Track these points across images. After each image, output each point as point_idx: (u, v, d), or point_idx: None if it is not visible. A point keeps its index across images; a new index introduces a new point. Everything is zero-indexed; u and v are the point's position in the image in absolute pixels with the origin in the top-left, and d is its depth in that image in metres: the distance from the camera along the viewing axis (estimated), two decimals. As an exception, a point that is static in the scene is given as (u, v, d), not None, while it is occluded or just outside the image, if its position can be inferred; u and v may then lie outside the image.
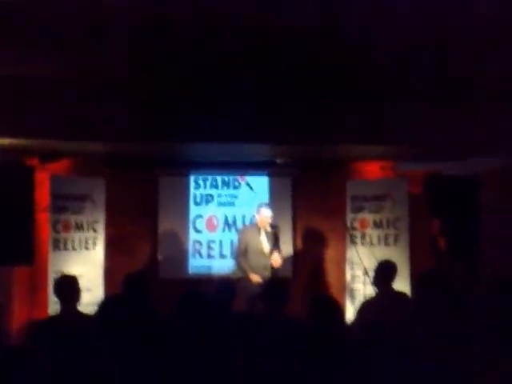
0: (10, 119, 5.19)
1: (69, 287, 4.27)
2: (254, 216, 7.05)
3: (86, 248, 6.84)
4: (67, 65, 4.89)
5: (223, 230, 7.94)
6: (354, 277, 7.29)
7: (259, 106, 5.55)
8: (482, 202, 6.50)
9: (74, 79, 5.20)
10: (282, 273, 6.73)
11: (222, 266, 7.75)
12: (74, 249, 6.72)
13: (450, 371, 3.05)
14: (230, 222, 7.94)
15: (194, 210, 7.90)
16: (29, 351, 3.80)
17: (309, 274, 7.86)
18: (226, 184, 7.96)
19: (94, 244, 6.92)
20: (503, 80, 5.09)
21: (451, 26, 3.95)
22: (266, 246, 6.59)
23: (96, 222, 6.95)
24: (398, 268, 5.09)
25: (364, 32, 4.08)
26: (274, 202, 7.40)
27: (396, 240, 7.15)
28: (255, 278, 6.44)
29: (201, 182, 7.93)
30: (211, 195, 7.93)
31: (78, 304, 4.24)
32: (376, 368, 3.02)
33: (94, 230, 6.93)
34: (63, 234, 6.67)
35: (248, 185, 7.99)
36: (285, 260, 7.15)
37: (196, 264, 7.86)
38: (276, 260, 6.56)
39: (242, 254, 6.63)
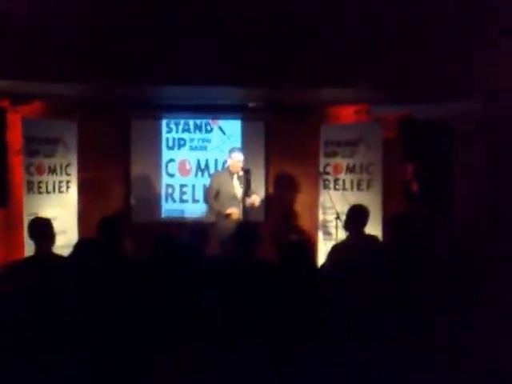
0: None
1: (42, 229, 4.27)
2: (226, 161, 7.05)
3: (60, 191, 6.79)
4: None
5: (196, 175, 7.96)
6: (326, 221, 7.34)
7: (230, 49, 5.52)
8: (455, 146, 6.56)
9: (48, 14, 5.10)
10: (254, 217, 6.76)
11: (195, 210, 7.82)
12: (47, 192, 6.67)
13: (414, 312, 3.14)
14: (203, 166, 7.96)
15: (166, 154, 7.89)
16: (3, 293, 3.83)
17: (281, 219, 7.94)
18: (198, 128, 7.93)
19: (68, 187, 6.88)
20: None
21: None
22: (238, 190, 6.57)
23: (69, 165, 6.89)
24: (370, 213, 5.10)
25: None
26: (246, 147, 7.39)
27: (369, 185, 7.18)
28: (234, 211, 6.45)
29: (173, 126, 7.90)
30: (183, 139, 7.91)
31: (52, 246, 4.25)
32: (346, 309, 3.08)
33: (67, 174, 6.88)
34: (37, 177, 6.60)
35: (220, 129, 7.97)
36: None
37: (169, 208, 7.90)
38: (254, 199, 6.58)
39: (212, 197, 6.63)
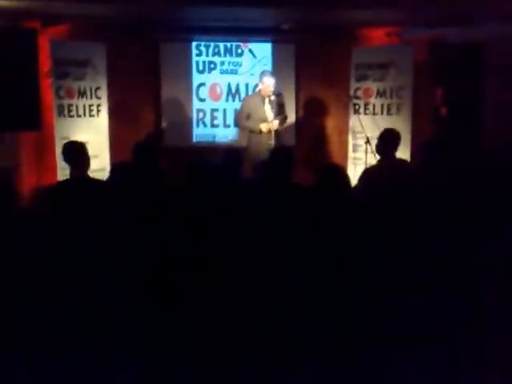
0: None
1: (78, 152, 4.32)
2: (257, 85, 6.97)
3: (91, 115, 6.81)
4: None
5: (227, 99, 7.88)
6: (356, 146, 7.34)
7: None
8: (486, 69, 6.44)
9: None
10: (284, 141, 6.76)
11: (226, 134, 7.83)
12: (78, 115, 6.70)
13: (449, 236, 3.14)
14: (234, 90, 7.87)
15: (196, 78, 7.81)
16: (42, 213, 3.90)
17: (311, 143, 7.92)
18: (228, 51, 7.81)
19: (98, 111, 6.88)
20: None
21: None
22: (269, 114, 6.44)
23: (99, 88, 6.87)
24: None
25: None
26: (276, 70, 7.26)
27: (398, 109, 7.13)
28: (267, 127, 6.37)
29: (203, 49, 7.77)
30: (214, 62, 7.81)
31: (87, 170, 4.31)
32: (380, 233, 3.10)
33: (98, 97, 6.87)
34: (67, 101, 6.61)
35: (251, 52, 7.84)
36: (287, 129, 7.19)
37: (200, 132, 7.88)
38: (270, 126, 6.43)
39: (243, 119, 6.58)
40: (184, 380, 2.69)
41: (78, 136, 6.18)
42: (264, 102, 6.48)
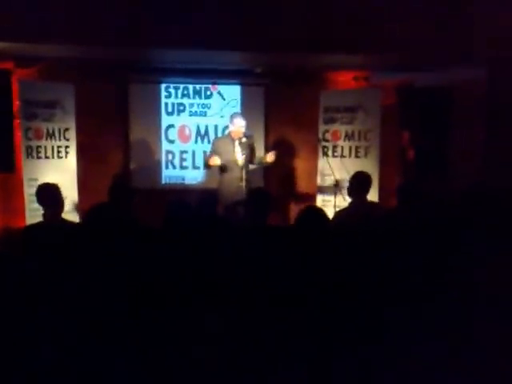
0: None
1: (52, 195, 4.28)
2: (226, 126, 6.99)
3: (59, 156, 6.75)
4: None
5: (196, 141, 7.91)
6: (324, 188, 7.38)
7: (229, 13, 5.51)
8: (453, 114, 6.59)
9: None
10: (254, 183, 6.73)
11: (195, 176, 7.82)
12: (46, 157, 6.63)
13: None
14: (203, 132, 7.90)
15: (165, 120, 7.83)
16: (18, 256, 3.81)
17: (280, 185, 7.95)
18: (197, 93, 7.87)
19: (67, 152, 6.83)
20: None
21: None
22: (239, 156, 6.45)
23: (67, 129, 6.82)
24: (368, 180, 5.16)
25: None
26: (245, 113, 7.25)
27: (366, 152, 7.23)
28: (215, 161, 6.31)
29: (172, 91, 7.82)
30: (183, 104, 7.85)
31: (62, 212, 4.26)
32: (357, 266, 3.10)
33: (66, 139, 6.81)
34: (35, 142, 6.55)
35: (220, 94, 7.92)
36: (256, 171, 7.22)
37: (169, 174, 7.87)
38: (270, 156, 6.52)
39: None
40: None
41: (47, 177, 6.07)
42: (234, 144, 6.48)
